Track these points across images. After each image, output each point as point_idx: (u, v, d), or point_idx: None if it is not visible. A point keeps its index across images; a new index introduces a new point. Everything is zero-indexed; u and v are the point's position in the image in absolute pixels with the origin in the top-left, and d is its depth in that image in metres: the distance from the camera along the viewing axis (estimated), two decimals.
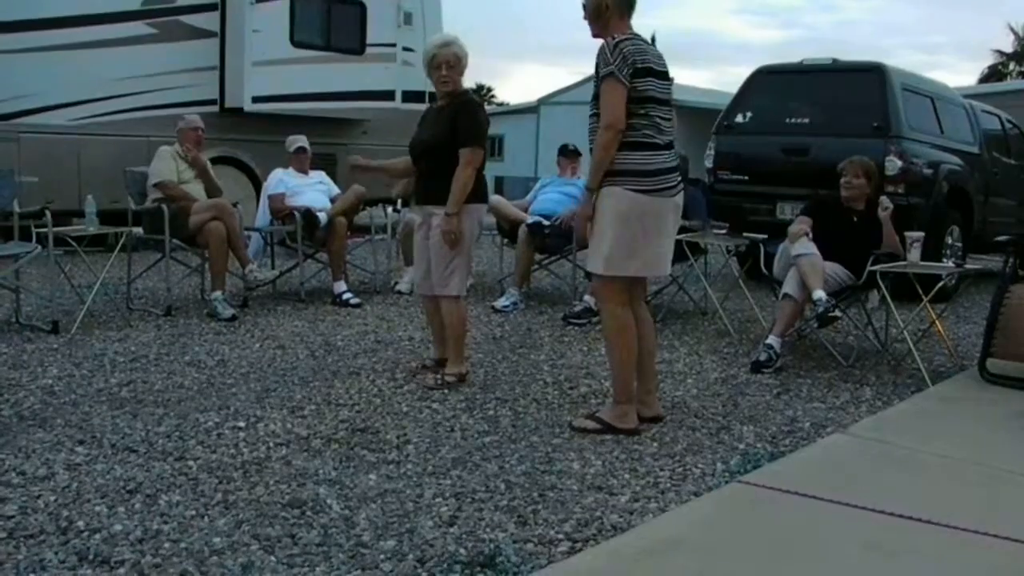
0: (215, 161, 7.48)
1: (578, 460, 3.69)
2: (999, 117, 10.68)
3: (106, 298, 6.82)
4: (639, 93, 3.88)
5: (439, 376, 4.77)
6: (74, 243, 6.43)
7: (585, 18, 4.09)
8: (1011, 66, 42.58)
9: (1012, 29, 43.04)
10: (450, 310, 4.80)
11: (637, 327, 4.12)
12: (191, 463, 3.53)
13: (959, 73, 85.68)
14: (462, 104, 4.74)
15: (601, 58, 3.89)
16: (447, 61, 4.69)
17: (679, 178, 4.09)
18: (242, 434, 3.89)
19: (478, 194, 4.75)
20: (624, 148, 3.91)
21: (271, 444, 3.77)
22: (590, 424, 4.08)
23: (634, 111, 3.89)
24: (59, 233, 6.17)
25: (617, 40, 3.89)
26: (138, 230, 6.70)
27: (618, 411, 4.09)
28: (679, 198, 4.11)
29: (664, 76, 4.02)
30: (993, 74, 41.69)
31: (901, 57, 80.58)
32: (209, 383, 4.72)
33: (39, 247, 5.87)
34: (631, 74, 3.85)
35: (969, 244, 8.99)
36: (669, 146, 4.02)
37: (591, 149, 4.02)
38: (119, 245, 6.54)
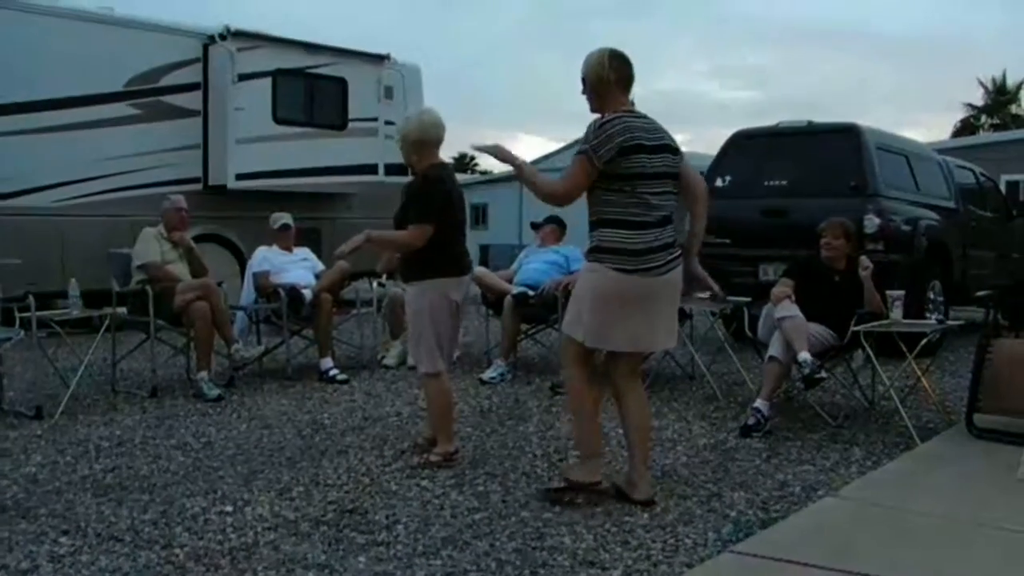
0: (199, 239, 7.51)
1: (569, 535, 3.66)
2: (973, 171, 10.85)
3: (90, 381, 6.77)
4: (625, 170, 3.87)
5: (424, 457, 4.74)
6: (57, 327, 6.41)
7: (583, 92, 4.12)
8: (983, 119, 43.27)
9: (981, 83, 43.89)
10: (425, 386, 4.81)
11: (625, 401, 4.13)
12: (178, 551, 3.49)
13: (933, 128, 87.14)
14: (414, 182, 4.78)
15: (585, 135, 3.94)
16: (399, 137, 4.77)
17: (672, 254, 4.01)
18: (229, 519, 3.84)
19: (439, 269, 4.64)
20: (609, 225, 3.93)
21: (259, 529, 3.73)
22: (563, 486, 4.13)
23: (620, 188, 3.89)
24: (43, 317, 6.15)
25: (604, 120, 3.92)
26: (122, 310, 6.68)
27: (584, 467, 4.12)
28: (674, 275, 4.03)
29: (657, 150, 3.96)
30: (965, 127, 42.33)
31: (875, 114, 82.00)
32: (195, 466, 4.68)
33: (22, 332, 5.85)
34: (618, 153, 3.85)
35: (951, 297, 9.06)
36: (662, 222, 3.96)
37: (590, 222, 4.04)
38: (104, 327, 6.52)
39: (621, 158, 3.87)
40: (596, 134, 3.89)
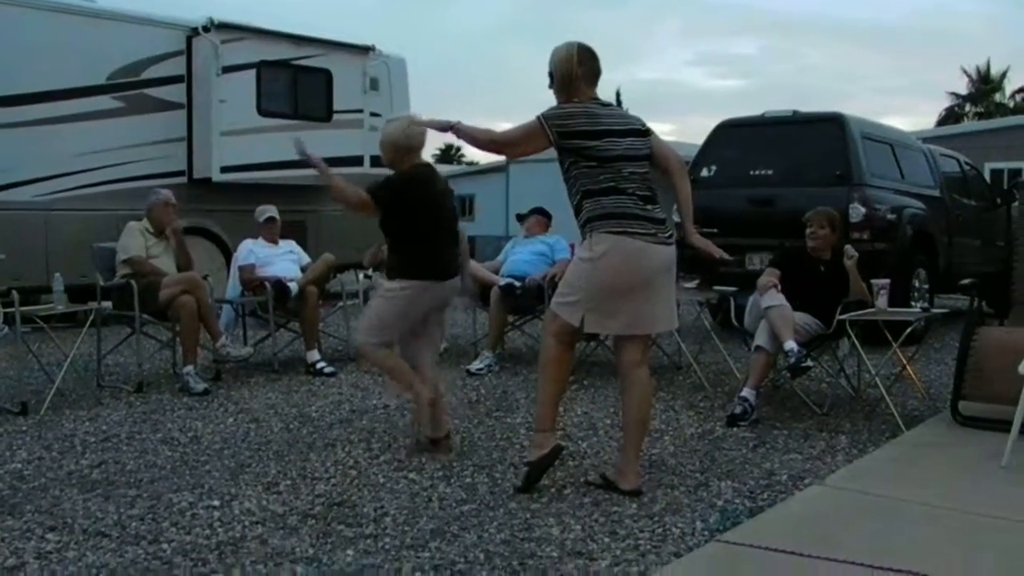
0: (184, 232, 7.47)
1: (557, 525, 3.66)
2: (957, 160, 10.90)
3: (76, 376, 6.73)
4: (596, 153, 3.97)
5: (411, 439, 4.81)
6: (42, 322, 6.37)
7: (550, 86, 4.17)
8: (967, 107, 43.41)
9: (965, 71, 44.02)
10: (369, 356, 4.86)
11: (630, 391, 4.11)
12: (165, 546, 3.47)
13: (918, 115, 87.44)
14: (395, 175, 4.85)
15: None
16: None
17: (666, 231, 4.03)
18: (217, 513, 3.83)
19: (416, 271, 4.69)
20: (591, 196, 3.99)
21: (247, 523, 3.72)
22: (526, 472, 4.12)
23: (593, 166, 3.97)
24: (27, 313, 6.12)
25: (568, 104, 4.05)
26: (107, 304, 6.65)
27: (536, 445, 4.12)
28: (669, 253, 4.04)
29: (625, 134, 4.04)
30: (950, 116, 42.47)
31: (861, 101, 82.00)
32: (182, 461, 4.66)
33: (6, 327, 5.82)
34: (584, 136, 3.96)
35: (936, 285, 9.11)
36: (644, 199, 4.01)
37: (574, 209, 4.09)
38: (88, 321, 6.49)
39: (589, 141, 3.97)
40: (554, 109, 4.05)
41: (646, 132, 4.16)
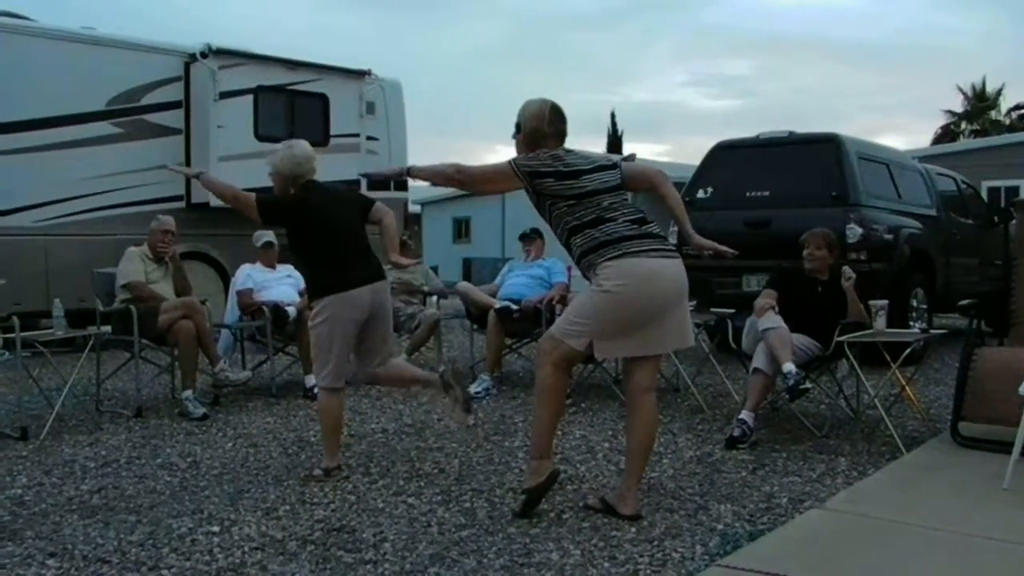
0: (183, 257, 7.49)
1: (557, 550, 3.66)
2: (954, 179, 10.94)
3: (75, 401, 6.74)
4: (571, 192, 4.02)
5: (308, 471, 4.84)
6: (42, 347, 6.38)
7: (514, 136, 4.23)
8: (963, 125, 43.51)
9: (960, 89, 44.13)
10: (321, 399, 4.90)
11: (636, 416, 4.10)
12: (165, 572, 3.47)
13: (914, 133, 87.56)
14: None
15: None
16: None
17: (665, 244, 4.04)
18: (216, 539, 3.83)
19: (325, 287, 4.73)
20: (577, 232, 4.02)
21: (246, 548, 3.72)
22: (523, 499, 4.10)
23: (572, 204, 4.02)
24: (27, 338, 6.12)
25: (537, 154, 4.09)
26: (106, 329, 6.66)
27: (534, 471, 4.09)
28: (674, 267, 4.01)
29: (595, 171, 4.09)
30: (946, 134, 42.56)
31: (856, 120, 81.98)
32: (182, 486, 4.66)
33: (6, 352, 5.82)
34: (556, 178, 4.01)
35: (934, 304, 9.12)
36: (633, 223, 4.02)
37: (564, 247, 4.14)
38: (88, 346, 6.49)
39: (562, 181, 4.02)
40: (523, 156, 4.13)
41: (613, 165, 4.21)
